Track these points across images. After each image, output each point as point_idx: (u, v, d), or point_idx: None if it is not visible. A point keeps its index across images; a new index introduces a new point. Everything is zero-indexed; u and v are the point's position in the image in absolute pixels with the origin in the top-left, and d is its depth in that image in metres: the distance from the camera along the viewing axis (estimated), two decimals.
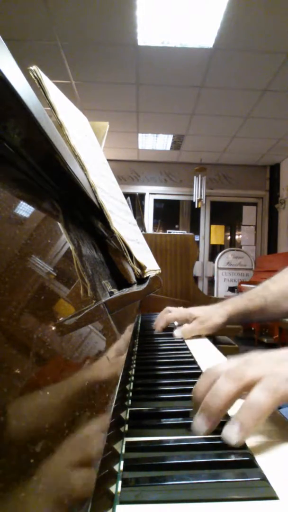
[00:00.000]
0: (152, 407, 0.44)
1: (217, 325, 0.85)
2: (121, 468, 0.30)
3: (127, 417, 0.41)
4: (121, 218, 0.68)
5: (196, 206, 5.65)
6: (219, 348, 0.82)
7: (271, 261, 4.95)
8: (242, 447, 0.34)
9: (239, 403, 0.36)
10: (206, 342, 0.87)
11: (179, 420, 0.41)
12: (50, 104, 0.58)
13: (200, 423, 0.36)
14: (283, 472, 0.31)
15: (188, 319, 0.91)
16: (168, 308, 0.98)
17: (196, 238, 5.90)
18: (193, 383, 0.54)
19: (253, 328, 4.64)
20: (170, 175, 6.03)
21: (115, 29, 2.95)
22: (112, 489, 0.28)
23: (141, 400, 0.47)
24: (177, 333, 0.88)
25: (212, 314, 0.87)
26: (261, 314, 0.88)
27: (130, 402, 0.46)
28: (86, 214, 0.57)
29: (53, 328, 0.21)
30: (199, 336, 0.90)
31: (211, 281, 5.97)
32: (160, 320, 0.96)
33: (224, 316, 0.86)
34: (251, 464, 0.31)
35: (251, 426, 0.33)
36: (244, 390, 0.35)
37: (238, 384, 0.35)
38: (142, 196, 6.01)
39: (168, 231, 4.75)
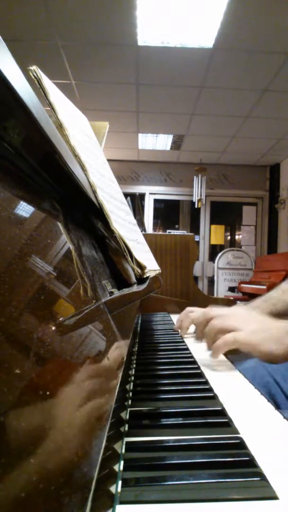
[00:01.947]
0: (152, 407, 0.44)
1: None
2: (121, 468, 0.30)
3: (127, 417, 0.41)
4: (121, 218, 0.68)
5: (196, 206, 5.65)
6: None
7: (271, 261, 4.95)
8: (243, 448, 0.34)
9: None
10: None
11: (179, 420, 0.41)
12: (50, 104, 0.58)
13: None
14: (281, 468, 0.31)
15: None
16: (190, 308, 0.95)
17: (196, 238, 5.90)
18: (193, 383, 0.54)
19: None
20: (170, 175, 6.02)
21: (115, 29, 2.94)
22: (112, 489, 0.28)
23: (141, 400, 0.47)
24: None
25: None
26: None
27: (130, 402, 0.46)
28: (86, 214, 0.57)
29: (53, 328, 0.21)
30: None
31: (211, 281, 5.96)
32: (185, 319, 0.92)
33: None
34: (251, 464, 0.31)
35: (216, 353, 0.64)
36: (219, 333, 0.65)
37: (216, 330, 0.66)
38: (142, 196, 6.00)
39: (168, 231, 4.75)
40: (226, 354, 0.73)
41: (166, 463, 0.31)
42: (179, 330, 0.93)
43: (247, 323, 0.65)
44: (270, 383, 0.76)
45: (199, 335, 0.74)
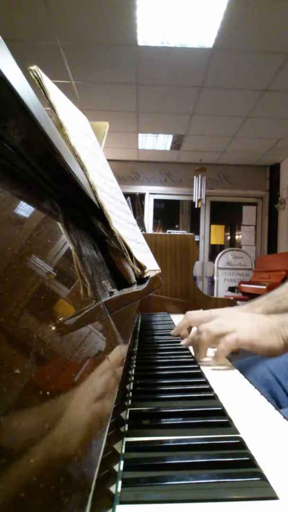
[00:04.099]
0: (152, 407, 0.44)
1: None
2: (121, 468, 0.30)
3: (127, 417, 0.41)
4: (121, 218, 0.68)
5: (196, 206, 5.65)
6: None
7: (271, 261, 4.95)
8: (242, 448, 0.34)
9: None
10: None
11: (179, 420, 0.41)
12: (50, 104, 0.58)
13: (198, 355, 0.68)
14: (282, 469, 0.31)
15: None
16: (189, 311, 0.93)
17: (196, 238, 5.90)
18: (193, 383, 0.54)
19: None
20: (170, 175, 6.02)
21: (115, 29, 2.95)
22: (112, 489, 0.28)
23: (141, 400, 0.47)
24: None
25: None
26: None
27: (130, 402, 0.46)
28: (86, 214, 0.57)
29: (53, 328, 0.21)
30: None
31: (211, 281, 5.97)
32: (181, 322, 0.89)
33: None
34: (251, 464, 0.31)
35: (219, 358, 0.64)
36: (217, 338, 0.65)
37: (213, 335, 0.65)
38: (142, 196, 6.01)
39: (168, 231, 4.75)
40: None
41: (166, 463, 0.31)
42: (176, 331, 0.91)
43: (242, 323, 0.66)
44: (271, 381, 0.75)
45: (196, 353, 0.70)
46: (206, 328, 0.67)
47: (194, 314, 0.88)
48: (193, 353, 0.73)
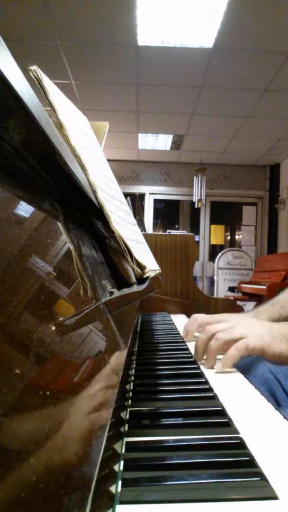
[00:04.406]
0: (152, 407, 0.44)
1: None
2: (121, 468, 0.30)
3: (127, 417, 0.41)
4: (121, 218, 0.68)
5: (196, 206, 5.65)
6: None
7: (271, 261, 4.95)
8: (243, 448, 0.34)
9: None
10: None
11: (179, 420, 0.41)
12: (50, 104, 0.58)
13: (206, 363, 0.65)
14: (283, 470, 0.31)
15: None
16: (196, 314, 0.90)
17: (196, 238, 5.90)
18: (193, 383, 0.54)
19: None
20: (170, 175, 6.02)
21: (115, 29, 2.94)
22: (112, 489, 0.28)
23: (141, 400, 0.47)
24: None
25: None
26: None
27: (130, 402, 0.46)
28: (86, 214, 0.57)
29: (53, 328, 0.21)
30: None
31: (211, 281, 5.96)
32: (190, 324, 0.88)
33: None
34: (251, 464, 0.31)
35: (228, 364, 0.61)
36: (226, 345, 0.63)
37: (222, 342, 0.63)
38: (142, 196, 6.00)
39: (168, 231, 4.75)
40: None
41: (166, 463, 0.31)
42: (186, 335, 0.90)
43: (251, 328, 0.64)
44: (270, 380, 0.75)
45: (201, 355, 0.67)
46: (215, 335, 0.64)
47: (204, 317, 0.86)
48: (193, 353, 0.72)
